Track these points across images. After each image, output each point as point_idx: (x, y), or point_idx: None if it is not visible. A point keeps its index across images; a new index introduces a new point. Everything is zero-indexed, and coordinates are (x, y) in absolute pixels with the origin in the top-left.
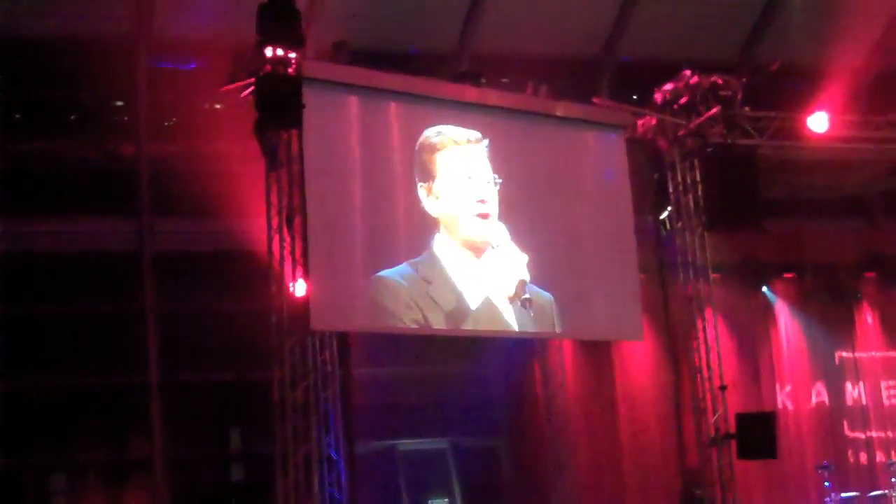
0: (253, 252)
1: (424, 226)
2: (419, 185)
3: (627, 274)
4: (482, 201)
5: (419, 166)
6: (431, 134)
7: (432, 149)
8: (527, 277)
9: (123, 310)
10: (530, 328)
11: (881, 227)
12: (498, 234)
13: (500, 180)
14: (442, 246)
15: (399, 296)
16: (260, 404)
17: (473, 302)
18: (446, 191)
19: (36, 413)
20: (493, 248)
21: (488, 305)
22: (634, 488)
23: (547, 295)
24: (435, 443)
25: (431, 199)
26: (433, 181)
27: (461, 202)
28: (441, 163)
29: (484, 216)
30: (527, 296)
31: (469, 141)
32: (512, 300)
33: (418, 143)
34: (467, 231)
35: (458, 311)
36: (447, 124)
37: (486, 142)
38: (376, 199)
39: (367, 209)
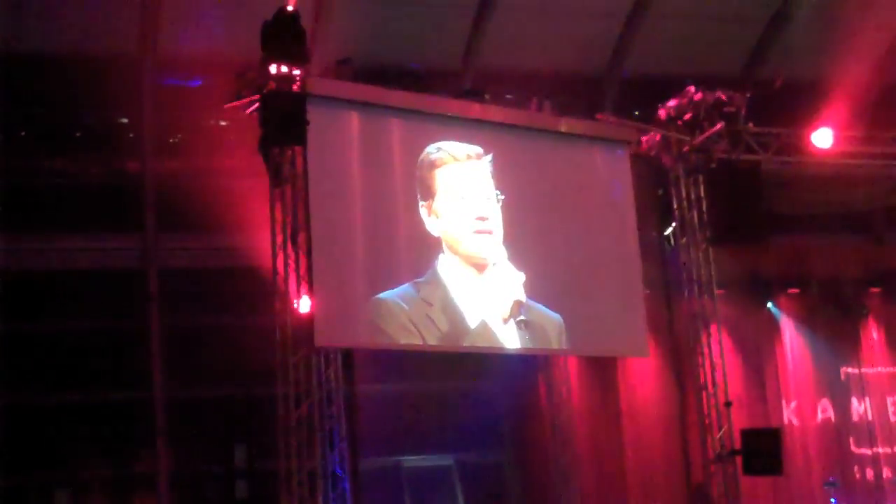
0: (257, 268)
1: (426, 245)
2: (420, 203)
3: (632, 290)
4: (481, 218)
5: (420, 184)
6: (432, 150)
7: (432, 165)
8: (523, 297)
9: (128, 326)
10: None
11: (886, 243)
12: (497, 251)
13: (503, 196)
14: (445, 266)
15: (398, 319)
16: (265, 421)
17: (472, 322)
18: (446, 209)
19: (41, 429)
20: (493, 265)
21: (484, 327)
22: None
23: (552, 314)
24: (440, 459)
25: (432, 219)
26: (433, 199)
27: (460, 220)
28: (440, 180)
29: (483, 233)
30: (522, 317)
31: (469, 157)
32: (506, 321)
33: (419, 159)
34: (467, 248)
35: (456, 332)
36: (451, 139)
37: (489, 157)
38: (379, 216)
39: (370, 225)
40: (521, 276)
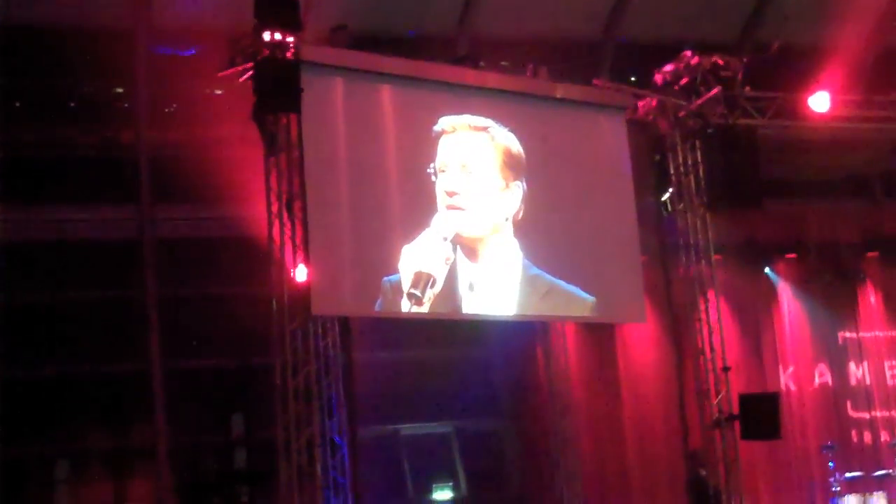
0: (253, 238)
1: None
2: None
3: (629, 256)
4: (450, 193)
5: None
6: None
7: (436, 137)
8: (519, 275)
9: (125, 297)
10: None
11: (883, 207)
12: (474, 227)
13: (513, 177)
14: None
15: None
16: (262, 390)
17: (465, 306)
18: (437, 182)
19: (39, 401)
20: (481, 241)
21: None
22: (638, 470)
23: (560, 284)
24: (438, 427)
25: None
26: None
27: (438, 194)
28: (437, 153)
29: (453, 208)
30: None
31: (455, 128)
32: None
33: None
34: (445, 227)
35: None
36: (447, 107)
37: (501, 130)
38: (375, 184)
39: (366, 193)
40: (518, 254)
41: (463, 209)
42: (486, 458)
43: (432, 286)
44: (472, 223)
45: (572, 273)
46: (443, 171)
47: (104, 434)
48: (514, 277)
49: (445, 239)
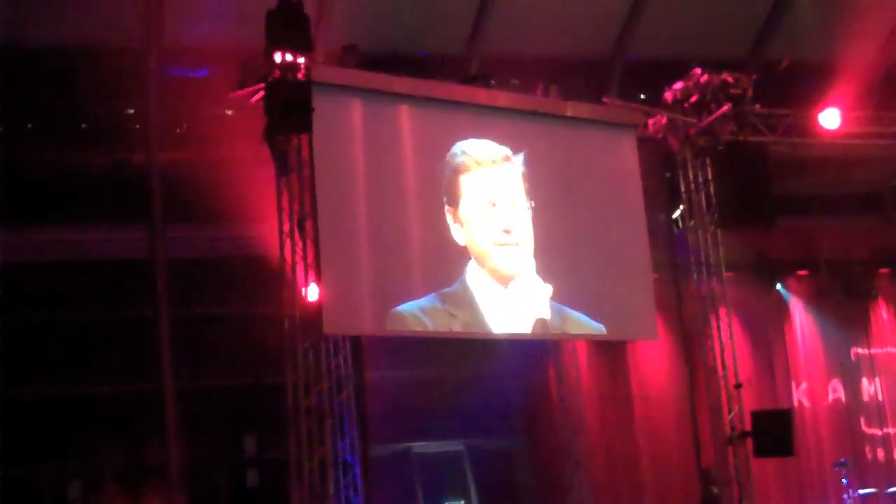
0: (265, 257)
1: (448, 248)
2: (446, 208)
3: (641, 274)
4: (507, 231)
5: (445, 188)
6: (457, 152)
7: (456, 171)
8: (547, 314)
9: (137, 317)
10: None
11: (894, 223)
12: (523, 263)
13: (533, 204)
14: (473, 277)
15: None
16: (274, 409)
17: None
18: (471, 218)
19: (52, 420)
20: (518, 276)
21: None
22: (651, 488)
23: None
24: (450, 445)
25: (457, 227)
26: (458, 207)
27: (485, 232)
28: (465, 187)
29: (509, 245)
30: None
31: (494, 161)
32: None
33: (445, 161)
34: (493, 262)
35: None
36: (463, 129)
37: (520, 157)
38: (388, 202)
39: (378, 212)
40: (548, 289)
41: (517, 245)
42: (497, 477)
43: None
44: (524, 257)
45: (584, 301)
46: (494, 204)
47: (117, 453)
48: (536, 304)
49: (521, 276)
